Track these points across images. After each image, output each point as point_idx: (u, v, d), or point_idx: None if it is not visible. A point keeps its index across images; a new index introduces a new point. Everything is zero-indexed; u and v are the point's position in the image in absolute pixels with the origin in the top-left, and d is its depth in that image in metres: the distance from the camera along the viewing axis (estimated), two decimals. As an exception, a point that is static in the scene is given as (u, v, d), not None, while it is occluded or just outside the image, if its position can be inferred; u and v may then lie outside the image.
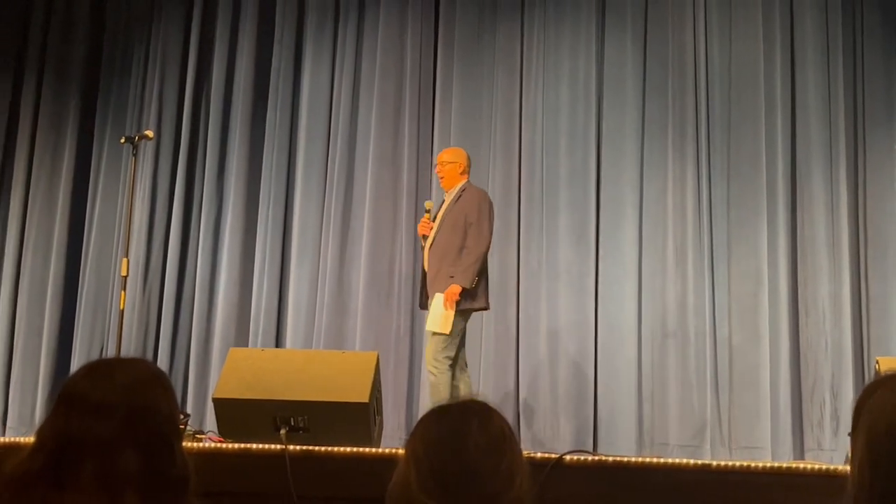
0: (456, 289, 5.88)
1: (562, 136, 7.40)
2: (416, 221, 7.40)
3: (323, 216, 7.66)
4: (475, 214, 6.07)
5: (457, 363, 5.95)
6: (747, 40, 7.21)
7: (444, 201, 6.28)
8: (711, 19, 7.29)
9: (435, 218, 6.21)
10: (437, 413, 1.84)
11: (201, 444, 4.46)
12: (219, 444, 4.27)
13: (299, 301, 7.55)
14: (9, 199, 8.11)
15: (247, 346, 7.35)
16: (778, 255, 6.89)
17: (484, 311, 6.39)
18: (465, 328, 6.05)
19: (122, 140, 6.72)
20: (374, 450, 4.09)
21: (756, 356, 6.79)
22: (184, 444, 1.93)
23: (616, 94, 7.38)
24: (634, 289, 7.05)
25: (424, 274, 6.18)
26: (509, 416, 2.01)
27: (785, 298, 6.82)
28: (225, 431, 4.51)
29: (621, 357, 6.97)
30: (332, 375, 4.63)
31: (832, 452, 6.39)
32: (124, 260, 6.28)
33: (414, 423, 1.77)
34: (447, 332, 5.84)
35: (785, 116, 7.07)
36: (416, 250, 7.46)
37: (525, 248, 7.32)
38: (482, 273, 6.04)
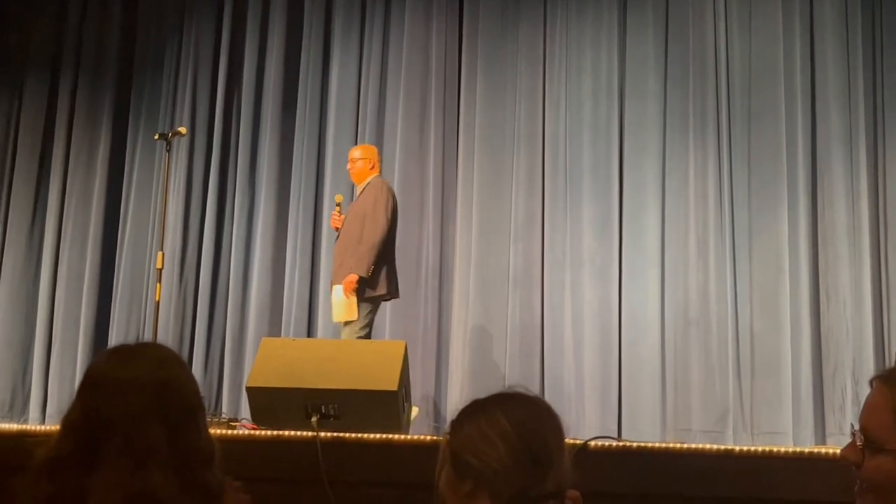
0: (352, 277, 6.05)
1: (585, 127, 7.38)
2: (443, 213, 7.46)
3: (351, 208, 7.69)
4: (371, 206, 6.23)
5: None
6: (767, 31, 7.16)
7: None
8: (731, 11, 7.24)
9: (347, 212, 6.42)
10: (519, 398, 1.89)
11: (236, 432, 4.50)
12: (252, 432, 4.30)
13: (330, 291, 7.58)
14: (47, 193, 8.20)
15: (280, 335, 7.39)
16: (799, 243, 6.84)
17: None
18: (372, 318, 6.21)
19: (156, 136, 6.80)
20: (402, 436, 4.11)
21: (778, 343, 6.76)
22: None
23: (638, 85, 7.35)
24: (657, 277, 7.03)
25: None
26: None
27: (806, 285, 6.78)
28: (258, 419, 4.54)
29: (645, 344, 6.96)
30: (361, 364, 4.64)
31: (854, 437, 6.35)
32: (159, 253, 6.35)
33: (442, 411, 1.79)
34: (354, 318, 6.02)
35: (805, 106, 7.01)
36: (444, 240, 7.49)
37: (549, 238, 7.31)
38: (382, 261, 6.15)
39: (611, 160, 7.28)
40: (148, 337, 7.35)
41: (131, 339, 7.71)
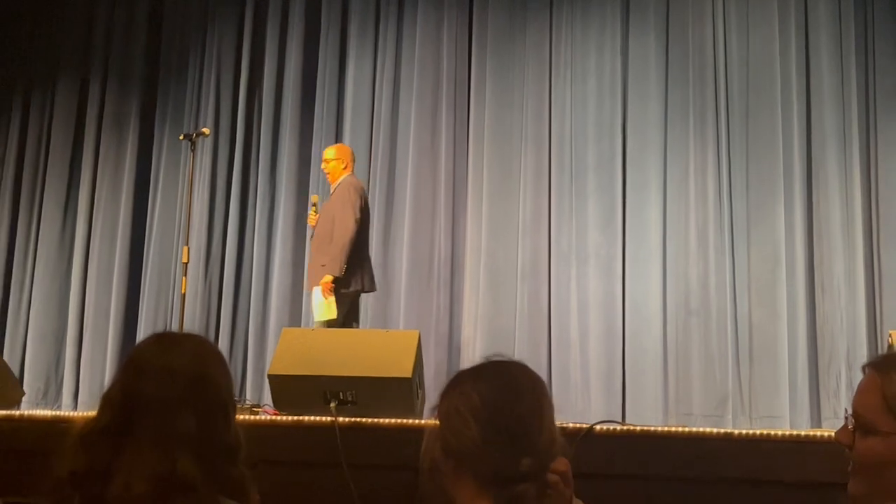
0: (328, 279, 6.03)
1: (589, 125, 7.37)
2: (454, 209, 7.45)
3: (367, 204, 7.69)
4: (340, 206, 6.17)
5: None
6: (764, 31, 7.15)
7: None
8: (729, 12, 7.23)
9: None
10: (494, 370, 1.74)
11: (258, 417, 4.51)
12: (274, 417, 4.31)
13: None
14: (77, 192, 8.22)
15: (300, 325, 7.40)
16: (795, 235, 6.83)
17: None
18: (352, 309, 6.24)
19: (181, 137, 6.81)
20: (416, 421, 4.10)
21: (775, 331, 6.75)
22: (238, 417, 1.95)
23: (640, 85, 7.33)
24: (659, 269, 7.02)
25: None
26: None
27: (802, 276, 6.77)
28: (280, 405, 4.54)
29: (647, 333, 6.95)
30: (377, 353, 4.64)
31: (848, 420, 6.32)
32: (185, 248, 6.37)
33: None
34: (334, 316, 6.03)
35: (800, 103, 7.00)
36: (455, 235, 7.49)
37: (556, 232, 7.31)
38: (354, 259, 6.12)
39: (614, 157, 7.27)
40: (175, 328, 7.38)
41: (159, 331, 7.76)
